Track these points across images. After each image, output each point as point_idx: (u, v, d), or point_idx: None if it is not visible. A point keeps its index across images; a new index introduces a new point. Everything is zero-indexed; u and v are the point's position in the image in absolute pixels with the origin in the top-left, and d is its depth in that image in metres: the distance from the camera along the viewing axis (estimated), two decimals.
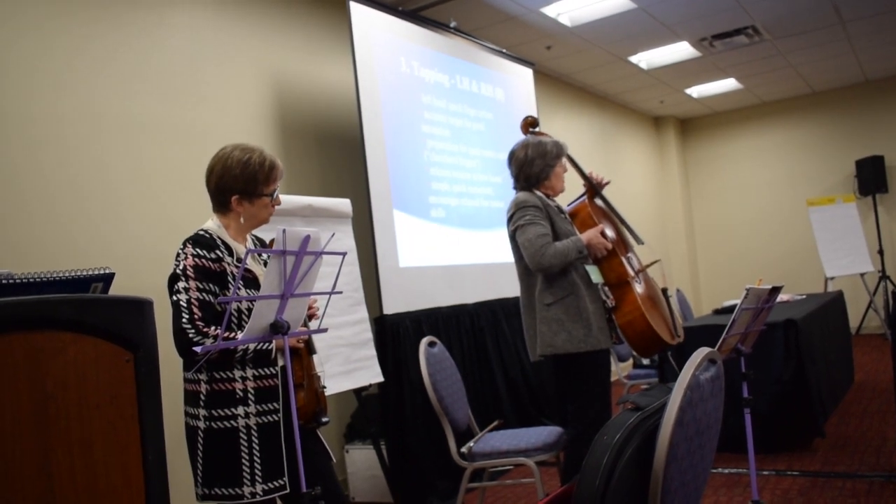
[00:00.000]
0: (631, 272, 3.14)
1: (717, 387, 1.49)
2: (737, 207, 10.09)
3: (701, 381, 1.41)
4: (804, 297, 6.14)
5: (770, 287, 3.02)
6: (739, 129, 10.12)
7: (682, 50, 7.11)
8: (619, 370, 4.81)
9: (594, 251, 3.07)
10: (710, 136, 10.33)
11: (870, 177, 8.86)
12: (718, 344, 2.81)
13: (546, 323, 3.01)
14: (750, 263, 9.78)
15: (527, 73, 6.05)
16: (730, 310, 4.96)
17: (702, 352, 1.45)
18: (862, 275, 8.53)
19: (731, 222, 10.12)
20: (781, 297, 5.59)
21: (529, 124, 3.37)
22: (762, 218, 9.88)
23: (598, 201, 3.40)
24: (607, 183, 3.41)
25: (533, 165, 3.17)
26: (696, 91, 8.85)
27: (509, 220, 3.14)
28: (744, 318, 2.90)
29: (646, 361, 4.94)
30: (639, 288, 3.13)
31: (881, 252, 8.76)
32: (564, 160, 3.26)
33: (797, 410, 4.25)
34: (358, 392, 3.95)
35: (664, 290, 3.34)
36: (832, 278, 8.35)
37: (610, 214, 3.40)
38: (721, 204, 10.22)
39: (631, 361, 5.31)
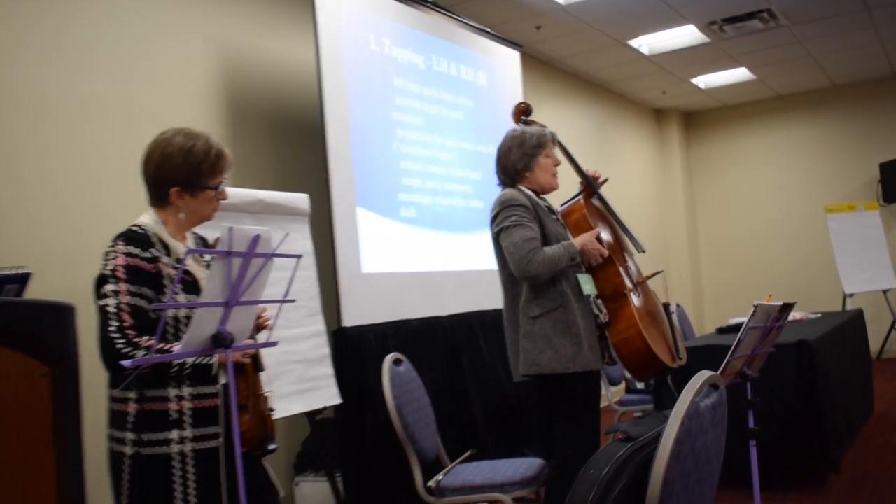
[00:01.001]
0: (629, 283, 3.15)
1: (719, 415, 1.51)
2: (746, 213, 10.21)
3: (701, 408, 1.42)
4: (819, 315, 6.22)
5: (781, 304, 3.06)
6: (751, 126, 10.26)
7: (688, 34, 7.19)
8: (610, 395, 4.84)
9: (588, 258, 3.07)
10: (718, 132, 10.46)
11: (895, 182, 9.01)
12: (722, 367, 2.83)
13: (531, 338, 3.01)
14: (759, 276, 9.89)
15: (513, 56, 6.07)
16: (735, 328, 4.99)
17: (702, 375, 1.46)
18: (885, 292, 8.67)
19: (740, 229, 10.23)
20: (793, 315, 5.65)
21: (522, 111, 3.37)
22: (774, 226, 10.00)
23: (595, 201, 3.40)
24: (605, 180, 3.41)
25: (509, 155, 3.16)
26: (703, 81, 8.95)
27: (493, 220, 3.12)
28: (751, 339, 2.93)
29: (640, 385, 4.97)
30: (637, 301, 3.13)
31: None
32: (556, 152, 3.25)
33: (809, 443, 4.30)
34: (311, 416, 3.93)
35: (666, 306, 3.35)
36: (851, 295, 8.48)
37: (608, 217, 3.40)
38: (728, 208, 10.33)
39: (623, 385, 5.34)
